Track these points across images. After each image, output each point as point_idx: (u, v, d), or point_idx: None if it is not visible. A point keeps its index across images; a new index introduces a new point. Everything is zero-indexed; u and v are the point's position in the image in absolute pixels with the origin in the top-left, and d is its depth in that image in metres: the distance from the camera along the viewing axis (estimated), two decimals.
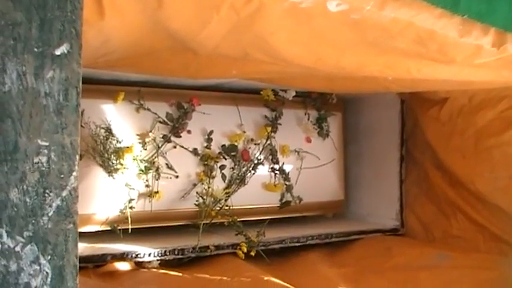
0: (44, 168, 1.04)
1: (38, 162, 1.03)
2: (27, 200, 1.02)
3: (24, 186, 1.02)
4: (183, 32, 1.61)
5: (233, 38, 1.66)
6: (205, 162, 2.62)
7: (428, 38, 1.56)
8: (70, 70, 1.08)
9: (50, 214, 1.05)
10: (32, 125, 1.03)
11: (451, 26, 1.52)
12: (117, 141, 2.41)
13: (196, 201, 2.60)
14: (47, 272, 1.05)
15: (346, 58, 1.88)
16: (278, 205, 2.90)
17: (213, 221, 2.62)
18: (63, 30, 1.05)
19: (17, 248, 1.02)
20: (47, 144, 1.04)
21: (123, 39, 1.68)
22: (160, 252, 2.39)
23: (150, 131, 2.51)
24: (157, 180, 2.51)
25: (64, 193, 1.07)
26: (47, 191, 1.04)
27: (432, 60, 1.81)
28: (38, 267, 1.04)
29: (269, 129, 2.81)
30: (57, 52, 1.05)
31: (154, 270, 2.38)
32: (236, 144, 2.72)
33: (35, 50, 1.03)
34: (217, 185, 2.66)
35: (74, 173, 1.07)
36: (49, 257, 1.05)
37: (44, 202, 1.04)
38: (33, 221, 1.03)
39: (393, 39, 1.59)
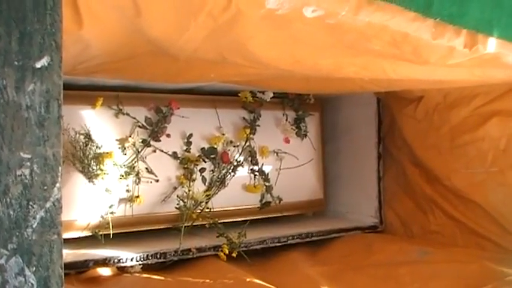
0: (27, 181, 1.04)
1: (21, 175, 1.04)
2: (11, 212, 1.03)
3: (8, 199, 1.02)
4: (162, 38, 1.62)
5: (211, 43, 1.67)
6: (185, 166, 2.63)
7: (402, 40, 1.59)
8: (51, 82, 1.09)
9: (34, 226, 1.05)
10: (14, 137, 1.03)
11: (424, 29, 1.55)
12: (97, 146, 2.41)
13: (177, 204, 2.61)
14: (32, 284, 1.05)
15: (323, 60, 1.90)
16: (258, 206, 2.93)
17: (194, 224, 2.63)
18: (43, 43, 1.06)
19: (1, 261, 1.02)
20: (29, 156, 1.05)
21: (103, 47, 1.68)
22: (142, 256, 2.39)
23: (130, 136, 2.51)
24: (137, 184, 2.52)
25: (48, 204, 1.07)
26: (31, 203, 1.05)
27: (407, 61, 1.84)
28: (23, 279, 1.05)
29: (248, 131, 2.83)
30: (38, 65, 1.06)
31: (137, 274, 2.37)
32: (215, 146, 2.73)
33: (15, 63, 1.03)
34: (198, 187, 2.67)
35: (57, 185, 1.08)
36: (34, 269, 1.05)
37: (27, 214, 1.05)
38: (17, 233, 1.04)
39: (369, 42, 1.62)
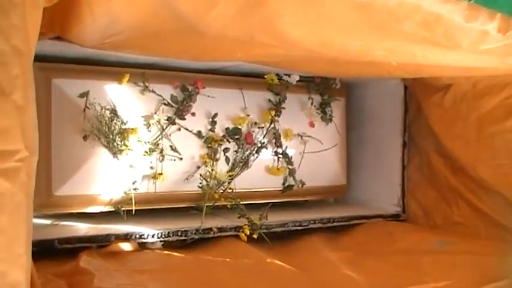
0: None
1: None
2: None
3: None
4: (191, 13, 1.61)
5: (240, 20, 1.66)
6: (209, 145, 2.63)
7: (434, 22, 1.56)
8: None
9: None
10: None
11: (457, 11, 1.53)
12: (122, 122, 2.42)
13: (200, 183, 2.62)
14: None
15: (351, 42, 1.88)
16: (281, 189, 2.92)
17: (216, 204, 2.64)
18: None
19: None
20: None
21: (130, 20, 1.69)
22: (163, 233, 2.41)
23: (155, 113, 2.51)
24: (161, 162, 2.53)
25: None
26: None
27: (437, 46, 1.80)
28: None
29: (273, 113, 2.82)
30: None
31: (158, 251, 2.39)
32: (240, 127, 2.73)
33: None
34: (221, 167, 2.68)
35: None
36: None
37: None
38: None
39: (399, 23, 1.59)
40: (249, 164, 2.76)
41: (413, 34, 1.69)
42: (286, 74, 2.88)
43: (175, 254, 2.35)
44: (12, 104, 1.11)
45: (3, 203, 1.11)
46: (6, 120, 1.10)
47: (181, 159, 2.58)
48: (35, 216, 2.43)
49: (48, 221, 2.46)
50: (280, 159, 2.89)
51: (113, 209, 2.47)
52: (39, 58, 2.25)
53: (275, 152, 2.87)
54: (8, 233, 1.12)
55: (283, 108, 2.87)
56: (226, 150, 2.70)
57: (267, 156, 2.85)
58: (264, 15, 1.59)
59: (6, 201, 1.11)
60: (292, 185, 2.93)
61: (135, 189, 2.47)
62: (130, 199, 2.45)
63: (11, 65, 1.11)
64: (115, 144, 2.39)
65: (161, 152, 2.52)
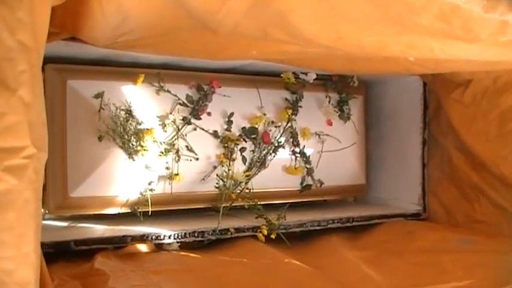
0: None
1: None
2: None
3: None
4: (202, 9, 1.59)
5: (253, 16, 1.64)
6: (226, 145, 2.61)
7: (451, 13, 1.52)
8: None
9: None
10: None
11: (475, 1, 1.48)
12: (137, 123, 2.41)
13: (217, 183, 2.59)
14: None
15: (367, 37, 1.84)
16: (299, 188, 2.88)
17: (233, 204, 2.61)
18: None
19: None
20: None
21: (142, 17, 1.67)
22: (180, 234, 2.39)
23: (170, 113, 2.50)
24: (177, 162, 2.51)
25: None
26: None
27: (456, 39, 1.76)
28: None
29: (290, 111, 2.78)
30: None
31: (174, 252, 2.38)
32: (256, 126, 2.70)
33: None
34: (238, 167, 2.65)
35: None
36: None
37: None
38: None
39: (416, 15, 1.56)
40: (266, 164, 2.73)
41: (430, 27, 1.65)
42: (303, 73, 2.85)
43: (191, 254, 2.33)
44: (18, 100, 1.10)
45: (11, 200, 1.09)
46: (12, 116, 1.09)
47: (197, 159, 2.56)
48: (51, 219, 2.46)
49: (64, 223, 2.45)
50: (297, 158, 2.85)
51: (129, 211, 2.46)
52: (54, 60, 2.28)
53: (292, 151, 2.84)
54: (16, 230, 1.11)
55: (300, 106, 2.84)
56: (242, 149, 2.67)
57: (284, 155, 2.81)
58: (276, 10, 1.56)
59: (13, 198, 1.10)
60: (311, 185, 2.89)
61: (151, 190, 2.45)
62: (147, 200, 2.43)
63: (17, 61, 1.10)
64: (130, 144, 2.38)
65: (177, 152, 2.50)
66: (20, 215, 1.12)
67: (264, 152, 2.72)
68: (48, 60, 2.25)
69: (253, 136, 2.69)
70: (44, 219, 2.45)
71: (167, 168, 2.49)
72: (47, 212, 2.36)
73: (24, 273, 1.12)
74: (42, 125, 1.20)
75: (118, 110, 2.37)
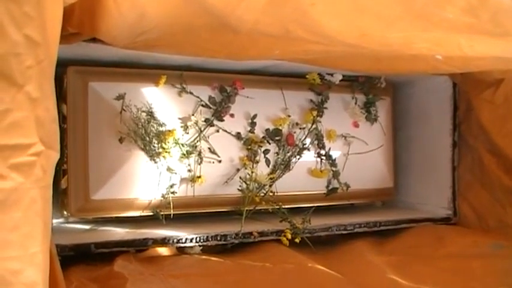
0: None
1: None
2: None
3: None
4: (220, 6, 1.55)
5: (272, 12, 1.60)
6: (249, 147, 2.56)
7: (479, 5, 1.46)
8: None
9: None
10: None
11: None
12: (159, 124, 2.38)
13: (240, 186, 2.55)
14: None
15: (391, 33, 1.78)
16: (324, 192, 2.82)
17: (256, 208, 2.57)
18: None
19: None
20: None
21: (158, 17, 1.64)
22: (202, 237, 2.35)
23: (193, 115, 2.46)
24: (199, 164, 2.47)
25: None
26: None
27: (484, 34, 1.69)
28: None
29: (315, 113, 2.73)
30: None
31: (196, 256, 2.35)
32: (280, 128, 2.65)
33: None
34: (261, 170, 2.60)
35: None
36: None
37: None
38: None
39: (441, 9, 1.50)
40: (291, 166, 2.68)
41: (457, 22, 1.59)
42: (328, 74, 2.80)
43: (213, 258, 2.30)
44: (25, 95, 1.07)
45: (17, 199, 1.07)
46: (18, 112, 1.06)
47: (220, 161, 2.52)
48: (73, 222, 2.45)
49: (86, 226, 2.44)
50: (323, 161, 2.79)
51: (150, 213, 2.43)
52: (75, 62, 2.28)
53: (318, 153, 2.78)
54: (22, 230, 1.08)
55: (326, 108, 2.78)
56: (266, 152, 2.62)
57: (309, 158, 2.76)
58: (295, 5, 1.52)
59: (19, 196, 1.07)
60: (337, 188, 2.83)
61: (173, 192, 2.42)
62: (168, 203, 2.40)
63: (24, 55, 1.07)
64: (152, 146, 2.35)
65: (199, 154, 2.47)
66: (27, 214, 1.09)
67: (289, 154, 2.67)
68: (69, 62, 2.25)
69: (277, 138, 2.64)
70: (66, 222, 2.45)
71: (189, 170, 2.46)
72: (68, 214, 2.35)
73: (32, 274, 1.09)
74: (52, 121, 1.17)
75: (139, 112, 2.35)
